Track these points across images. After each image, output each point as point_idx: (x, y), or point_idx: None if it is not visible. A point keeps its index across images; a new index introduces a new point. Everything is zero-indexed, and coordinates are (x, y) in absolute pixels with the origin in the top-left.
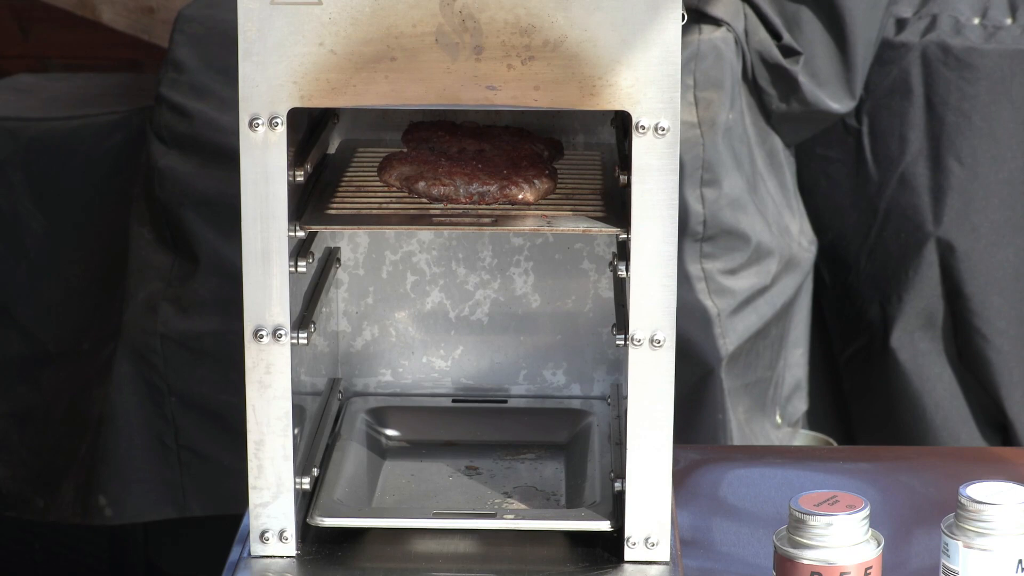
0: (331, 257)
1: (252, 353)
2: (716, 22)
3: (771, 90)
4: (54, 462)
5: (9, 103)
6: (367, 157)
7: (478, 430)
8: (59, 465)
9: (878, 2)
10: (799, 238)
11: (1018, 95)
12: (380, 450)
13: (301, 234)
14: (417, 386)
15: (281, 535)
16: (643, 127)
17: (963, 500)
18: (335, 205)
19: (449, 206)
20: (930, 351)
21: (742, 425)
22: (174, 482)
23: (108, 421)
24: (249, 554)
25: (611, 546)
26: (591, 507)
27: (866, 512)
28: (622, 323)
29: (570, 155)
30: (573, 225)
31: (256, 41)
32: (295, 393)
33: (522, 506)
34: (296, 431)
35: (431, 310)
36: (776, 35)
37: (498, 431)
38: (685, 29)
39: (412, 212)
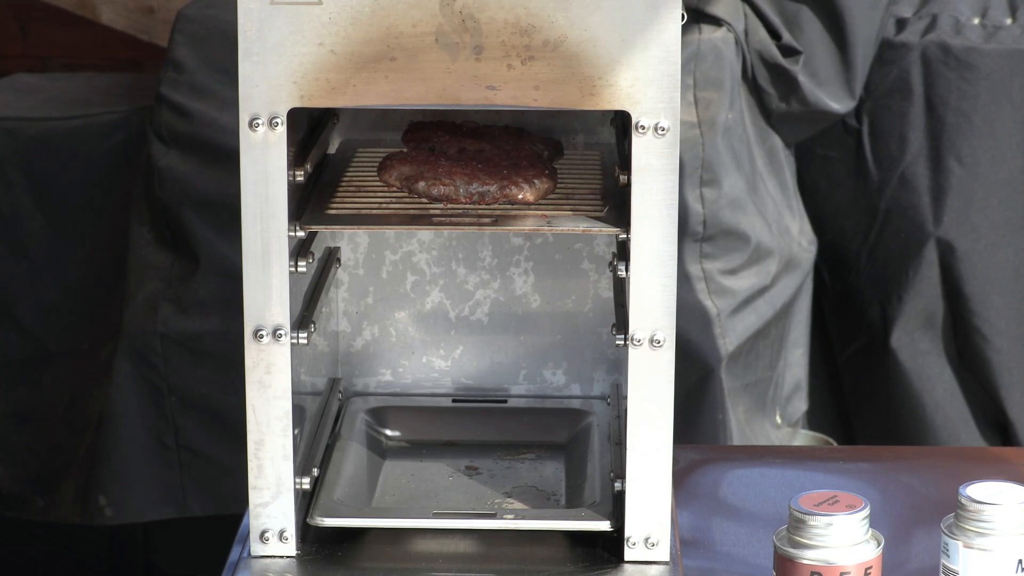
0: (331, 257)
1: (252, 353)
2: (716, 22)
3: (771, 90)
4: (54, 462)
5: (9, 103)
6: (367, 157)
7: (478, 430)
8: (59, 465)
9: (878, 2)
10: (799, 238)
11: (1018, 95)
12: (380, 450)
13: (301, 234)
14: (417, 386)
15: (281, 535)
16: (643, 127)
17: (963, 500)
18: (335, 205)
19: (449, 206)
20: (930, 351)
21: (742, 425)
22: (174, 482)
23: (108, 421)
24: (249, 554)
25: (611, 546)
26: (591, 507)
27: (866, 512)
28: (622, 323)
29: (570, 155)
30: (573, 225)
31: (256, 41)
32: (295, 393)
33: (522, 506)
34: (296, 431)
35: (431, 310)
36: (776, 35)
37: (498, 431)
38: (685, 29)
39: (412, 212)
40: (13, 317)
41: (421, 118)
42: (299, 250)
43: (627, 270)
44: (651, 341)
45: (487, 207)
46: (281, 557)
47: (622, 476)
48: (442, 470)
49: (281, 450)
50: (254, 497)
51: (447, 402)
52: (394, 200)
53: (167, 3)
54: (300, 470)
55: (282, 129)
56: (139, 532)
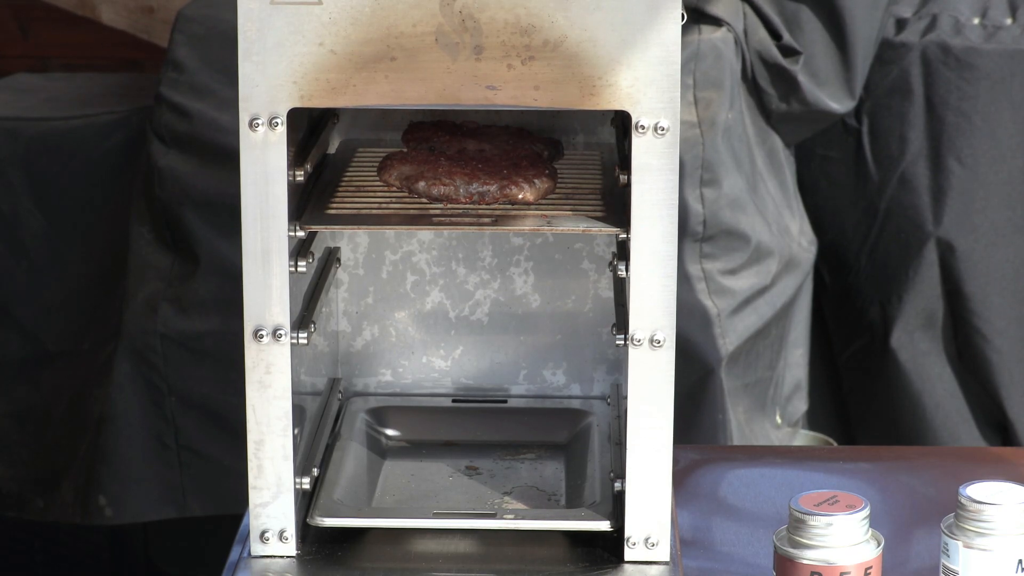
0: (331, 257)
1: (252, 353)
2: (716, 22)
3: (771, 90)
4: (54, 462)
5: (9, 103)
6: (367, 157)
7: (478, 430)
8: (59, 465)
9: (878, 2)
10: (799, 238)
11: (1018, 95)
12: (380, 450)
13: (301, 234)
14: (417, 386)
15: (281, 535)
16: (643, 127)
17: (963, 500)
18: (335, 205)
19: (449, 206)
20: (930, 351)
21: (742, 425)
22: (174, 482)
23: (108, 421)
24: (249, 554)
25: (611, 546)
26: (591, 507)
27: (866, 512)
28: (622, 323)
29: (570, 155)
30: (573, 225)
31: (256, 41)
32: (295, 393)
33: (522, 506)
34: (296, 431)
35: (431, 310)
36: (776, 35)
37: (498, 431)
38: (685, 29)
39: (412, 212)
40: (13, 317)
41: (421, 118)
42: (299, 250)
43: (627, 270)
44: (651, 341)
45: (487, 207)
46: (281, 557)
47: (622, 476)
48: (442, 470)
49: (281, 450)
50: (254, 497)
51: (447, 402)
52: (394, 200)
53: (167, 3)
54: (300, 470)
55: (282, 129)
56: (139, 532)
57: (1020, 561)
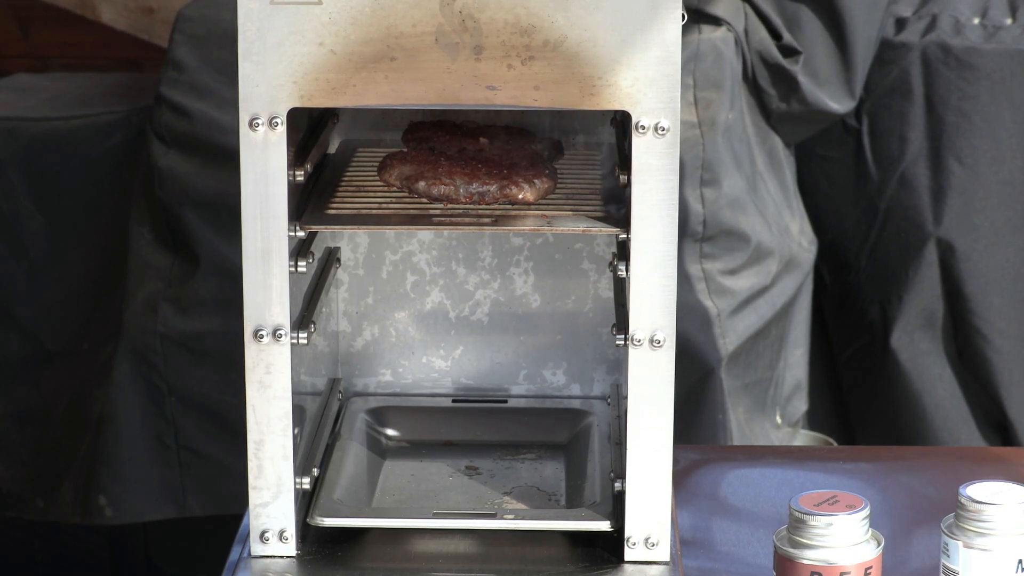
0: (331, 257)
1: (252, 353)
2: (716, 22)
3: (771, 90)
4: (54, 462)
5: (9, 103)
6: (367, 157)
7: (478, 430)
8: (59, 465)
9: (878, 2)
10: (799, 238)
11: (1018, 95)
12: (380, 450)
13: (301, 234)
14: (417, 386)
15: (281, 535)
16: (643, 127)
17: (963, 500)
18: (335, 205)
19: (449, 206)
20: (930, 351)
21: (742, 425)
22: (174, 482)
23: (108, 421)
24: (249, 554)
25: (611, 546)
26: (591, 507)
27: (866, 512)
28: (622, 323)
29: (570, 155)
30: (573, 225)
31: (256, 41)
32: (295, 393)
33: (522, 506)
34: (296, 431)
35: (431, 310)
36: (776, 35)
37: (498, 431)
38: (685, 29)
39: (412, 212)
40: (13, 317)
41: (421, 118)
42: (299, 250)
43: (627, 270)
44: (651, 341)
45: (487, 207)
46: (281, 557)
47: (622, 476)
48: (442, 470)
49: (281, 450)
50: (254, 497)
51: (447, 402)
52: (394, 200)
53: (167, 3)
54: (300, 470)
55: (282, 129)
56: (139, 532)
57: (1020, 561)
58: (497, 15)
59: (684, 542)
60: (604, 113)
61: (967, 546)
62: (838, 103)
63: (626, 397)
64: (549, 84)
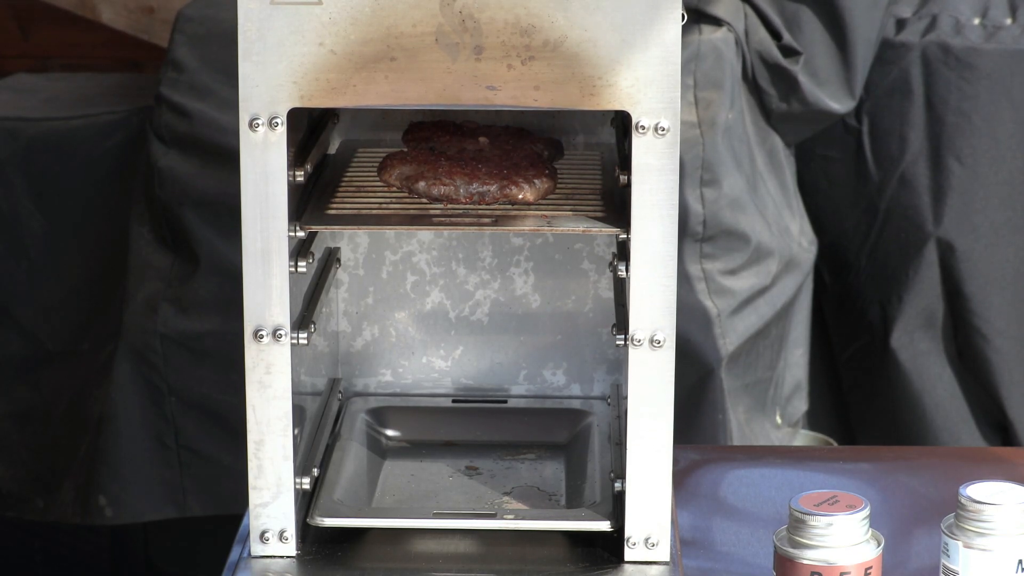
0: (331, 257)
1: (252, 353)
2: (716, 22)
3: (771, 90)
4: (54, 462)
5: (9, 103)
6: (367, 157)
7: (478, 430)
8: (59, 465)
9: (878, 2)
10: (799, 238)
11: (1018, 95)
12: (380, 450)
13: (301, 234)
14: (417, 386)
15: (281, 535)
16: (643, 127)
17: (963, 500)
18: (335, 205)
19: (449, 206)
20: (930, 351)
21: (742, 425)
22: (174, 482)
23: (108, 421)
24: (249, 554)
25: (611, 546)
26: (591, 507)
27: (866, 512)
28: (622, 323)
29: (570, 155)
30: (573, 225)
31: (256, 41)
32: (295, 393)
33: (522, 506)
34: (296, 431)
35: (431, 310)
36: (776, 35)
37: (498, 431)
38: (685, 29)
39: (412, 212)
40: (13, 317)
41: (421, 118)
42: (299, 250)
43: (627, 270)
44: (651, 341)
45: (487, 207)
46: (281, 557)
47: (622, 476)
48: (442, 470)
49: (281, 450)
50: (254, 497)
51: (447, 402)
52: (394, 200)
53: (167, 3)
54: (300, 470)
55: (282, 129)
56: (139, 532)
57: (1020, 561)
58: (497, 15)
59: (684, 542)
60: (604, 113)
61: (967, 546)
62: (838, 103)
63: (626, 397)
64: (549, 84)
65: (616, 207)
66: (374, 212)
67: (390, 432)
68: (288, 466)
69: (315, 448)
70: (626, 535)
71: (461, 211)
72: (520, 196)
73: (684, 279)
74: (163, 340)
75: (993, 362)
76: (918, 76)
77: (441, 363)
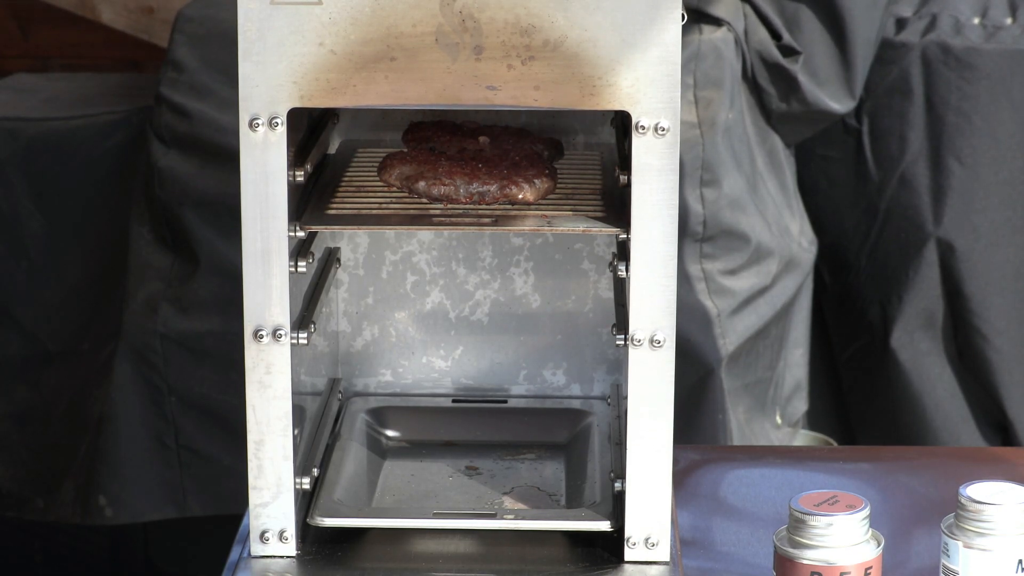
0: (331, 257)
1: (252, 353)
2: (716, 22)
3: (771, 90)
4: (54, 462)
5: (9, 103)
6: (367, 157)
7: (478, 430)
8: (59, 465)
9: (878, 2)
10: (799, 238)
11: (1018, 95)
12: (380, 450)
13: (301, 234)
14: (417, 386)
15: (281, 535)
16: (643, 127)
17: (963, 500)
18: (335, 205)
19: (449, 206)
20: (930, 351)
21: (742, 425)
22: (174, 482)
23: (108, 421)
24: (249, 554)
25: (611, 546)
26: (591, 507)
27: (866, 512)
28: (622, 323)
29: (570, 155)
30: (573, 225)
31: (256, 41)
32: (295, 393)
33: (522, 506)
34: (296, 431)
35: (431, 310)
36: (776, 35)
37: (498, 431)
38: (685, 29)
39: (412, 212)
40: (13, 317)
41: (421, 118)
42: (299, 250)
43: (627, 270)
44: (651, 341)
45: (487, 207)
46: (281, 557)
47: (622, 476)
48: (442, 470)
49: (281, 450)
50: (254, 497)
51: (447, 402)
52: (394, 200)
53: (167, 3)
54: (300, 470)
55: (282, 129)
56: (139, 532)
57: (1020, 561)
58: (497, 15)
59: (684, 542)
60: (604, 113)
61: (967, 546)
62: (838, 103)
63: (626, 397)
64: (549, 84)
65: (616, 207)
66: (374, 212)
67: (390, 432)
68: (288, 466)
69: (315, 448)
70: (626, 535)
71: (461, 211)
72: (520, 196)
73: (684, 279)
74: (163, 340)
75: (993, 362)
76: (918, 76)
77: (441, 363)
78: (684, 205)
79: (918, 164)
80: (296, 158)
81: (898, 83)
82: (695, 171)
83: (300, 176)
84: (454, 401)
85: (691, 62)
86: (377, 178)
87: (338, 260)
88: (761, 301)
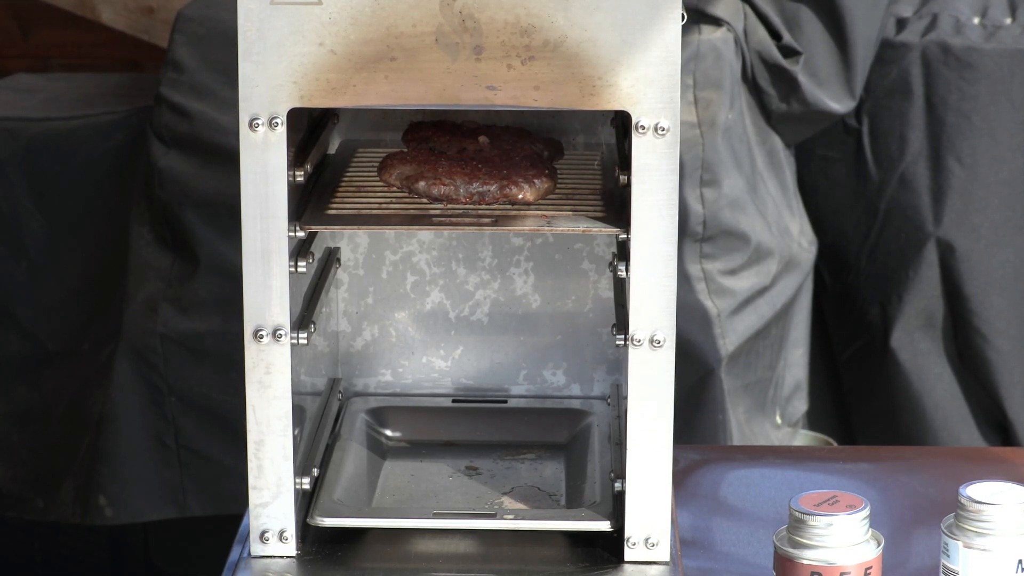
0: (331, 257)
1: (252, 353)
2: (716, 22)
3: (771, 90)
4: (54, 462)
5: (9, 103)
6: (367, 157)
7: (478, 430)
8: (59, 465)
9: (878, 2)
10: (799, 238)
11: (1018, 95)
12: (380, 450)
13: (301, 234)
14: (417, 386)
15: (281, 535)
16: (643, 127)
17: (963, 500)
18: (335, 205)
19: (449, 206)
20: (930, 351)
21: (742, 425)
22: (174, 482)
23: (108, 421)
24: (249, 554)
25: (611, 546)
26: (591, 507)
27: (866, 512)
28: (622, 323)
29: (570, 155)
30: (573, 225)
31: (256, 41)
32: (295, 393)
33: (522, 506)
34: (296, 431)
35: (431, 310)
36: (776, 35)
37: (498, 431)
38: (685, 29)
39: (412, 212)
40: (13, 317)
41: (421, 118)
42: (299, 250)
43: (627, 270)
44: (651, 341)
45: (487, 207)
46: (281, 557)
47: (622, 476)
48: (442, 470)
49: (281, 450)
50: (254, 497)
51: (447, 402)
52: (394, 200)
53: (167, 3)
54: (300, 470)
55: (282, 129)
56: (139, 532)
57: (1020, 561)
58: (497, 15)
59: (684, 542)
60: (604, 113)
61: (967, 546)
62: (838, 103)
63: (626, 397)
64: (549, 84)
65: (616, 207)
66: (374, 212)
67: (390, 432)
68: (288, 466)
69: (315, 448)
70: (626, 535)
71: (461, 211)
72: (520, 196)
73: (684, 279)
74: (163, 340)
75: (993, 362)
76: (918, 76)
77: (441, 363)
78: (684, 205)
79: (918, 164)
80: (296, 158)
81: (898, 83)
82: (695, 171)
83: (300, 176)
84: (454, 401)
85: (691, 62)
86: (377, 178)
87: (338, 260)
88: (761, 301)
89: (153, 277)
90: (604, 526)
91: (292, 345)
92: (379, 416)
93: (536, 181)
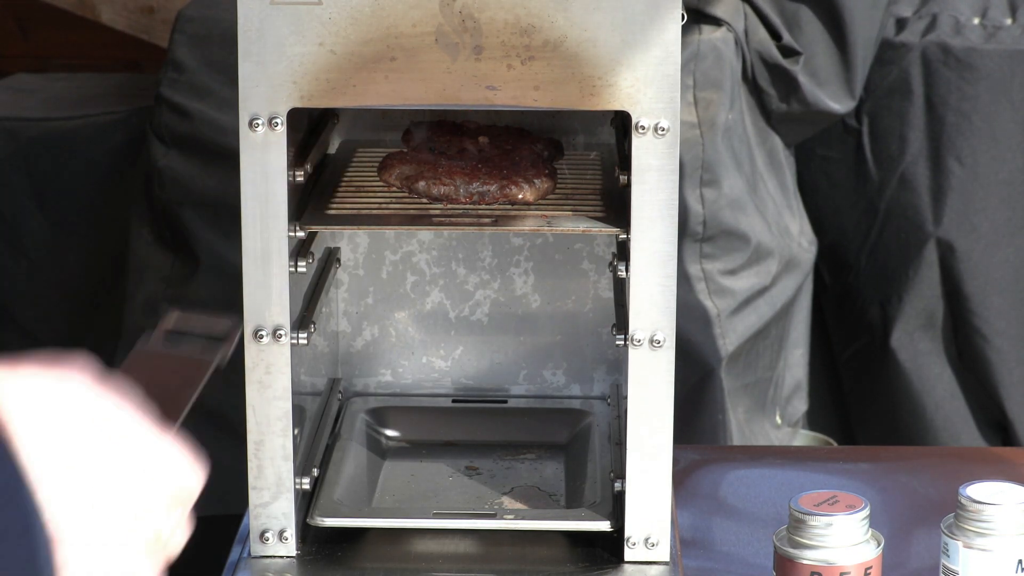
0: (331, 257)
1: (252, 353)
2: (716, 22)
3: (771, 90)
4: None
5: (9, 103)
6: (367, 157)
7: (478, 430)
8: None
9: (878, 2)
10: (799, 238)
11: (1018, 95)
12: (380, 450)
13: (301, 234)
14: (417, 386)
15: (281, 535)
16: (643, 127)
17: (963, 500)
18: (335, 205)
19: (449, 206)
20: (930, 351)
21: (742, 425)
22: None
23: None
24: (249, 554)
25: (611, 546)
26: (591, 507)
27: (866, 512)
28: (622, 323)
29: (570, 155)
30: (573, 225)
31: (256, 41)
32: (295, 393)
33: (522, 506)
34: (296, 431)
35: (431, 310)
36: (776, 35)
37: (498, 431)
38: (685, 29)
39: (412, 212)
40: (13, 317)
41: (421, 118)
42: (299, 250)
43: (627, 270)
44: (651, 341)
45: (487, 207)
46: (281, 557)
47: (622, 476)
48: (442, 470)
49: (281, 450)
50: (254, 497)
51: (447, 402)
52: (394, 200)
53: (167, 3)
54: (300, 470)
55: (282, 129)
56: None
57: (1020, 561)
58: (497, 15)
59: (684, 542)
60: (604, 113)
61: (967, 546)
62: (838, 103)
63: (626, 397)
64: (549, 84)
65: (616, 207)
66: (374, 212)
67: (390, 432)
68: (288, 466)
69: (315, 448)
70: (626, 535)
71: (461, 211)
72: (520, 196)
73: (684, 279)
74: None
75: (993, 362)
76: (918, 76)
77: (441, 363)
78: (684, 205)
79: (918, 164)
80: (296, 158)
81: (898, 83)
82: (695, 171)
83: (300, 176)
84: (454, 401)
85: (691, 62)
86: (377, 178)
87: (338, 260)
88: (761, 301)
89: (153, 277)
90: (604, 526)
91: (292, 345)
92: (379, 416)
93: (536, 181)
